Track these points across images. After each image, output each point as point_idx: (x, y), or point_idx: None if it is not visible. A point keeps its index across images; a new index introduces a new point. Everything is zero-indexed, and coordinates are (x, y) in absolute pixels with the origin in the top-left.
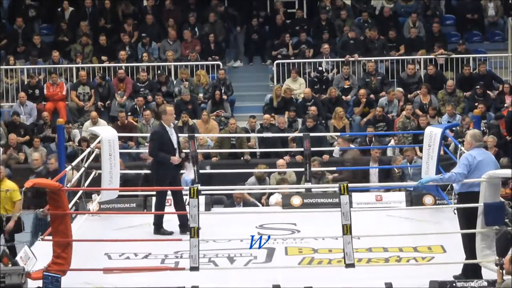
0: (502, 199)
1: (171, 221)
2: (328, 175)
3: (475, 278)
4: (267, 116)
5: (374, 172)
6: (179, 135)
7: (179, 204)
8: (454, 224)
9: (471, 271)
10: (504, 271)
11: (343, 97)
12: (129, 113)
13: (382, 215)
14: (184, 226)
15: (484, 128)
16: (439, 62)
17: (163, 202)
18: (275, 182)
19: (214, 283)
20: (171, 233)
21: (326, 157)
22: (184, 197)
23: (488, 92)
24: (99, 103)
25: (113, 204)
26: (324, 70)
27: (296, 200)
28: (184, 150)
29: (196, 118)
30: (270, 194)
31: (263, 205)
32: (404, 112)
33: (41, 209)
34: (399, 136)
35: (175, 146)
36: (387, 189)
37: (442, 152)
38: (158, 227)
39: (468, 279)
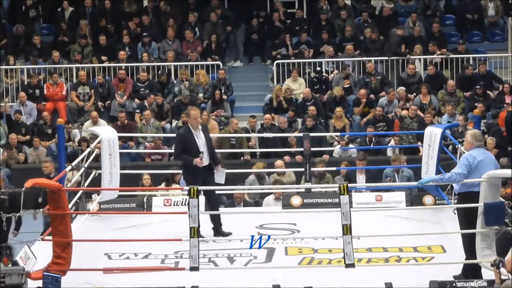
0: (502, 199)
1: (172, 221)
2: (328, 175)
3: (475, 278)
4: (268, 116)
5: (361, 180)
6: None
7: (211, 205)
8: (454, 224)
9: (471, 271)
10: (506, 271)
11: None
12: (137, 111)
13: (382, 215)
14: (216, 229)
15: (484, 128)
16: (435, 60)
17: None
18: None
19: (214, 283)
20: (228, 233)
21: (326, 157)
22: (183, 197)
23: (488, 92)
24: (99, 103)
25: (113, 204)
26: (324, 71)
27: (296, 200)
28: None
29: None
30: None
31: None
32: (404, 112)
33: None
34: (400, 136)
35: (201, 149)
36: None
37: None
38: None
39: (468, 279)
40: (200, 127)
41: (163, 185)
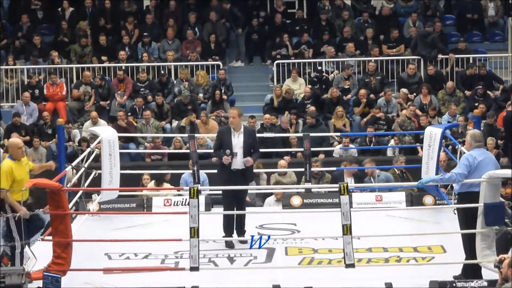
0: (502, 199)
1: (172, 221)
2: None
3: (475, 278)
4: (267, 116)
5: (348, 182)
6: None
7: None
8: (454, 224)
9: (471, 271)
10: (502, 275)
11: (344, 97)
12: (129, 113)
13: (382, 215)
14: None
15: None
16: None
17: (227, 206)
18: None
19: (214, 283)
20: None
21: (321, 156)
22: (183, 197)
23: (488, 92)
24: (100, 103)
25: (113, 204)
26: (324, 71)
27: (296, 200)
28: (184, 150)
29: (196, 118)
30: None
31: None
32: (404, 112)
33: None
34: (399, 136)
35: (235, 150)
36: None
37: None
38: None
39: (468, 279)
40: (242, 130)
41: (152, 184)
